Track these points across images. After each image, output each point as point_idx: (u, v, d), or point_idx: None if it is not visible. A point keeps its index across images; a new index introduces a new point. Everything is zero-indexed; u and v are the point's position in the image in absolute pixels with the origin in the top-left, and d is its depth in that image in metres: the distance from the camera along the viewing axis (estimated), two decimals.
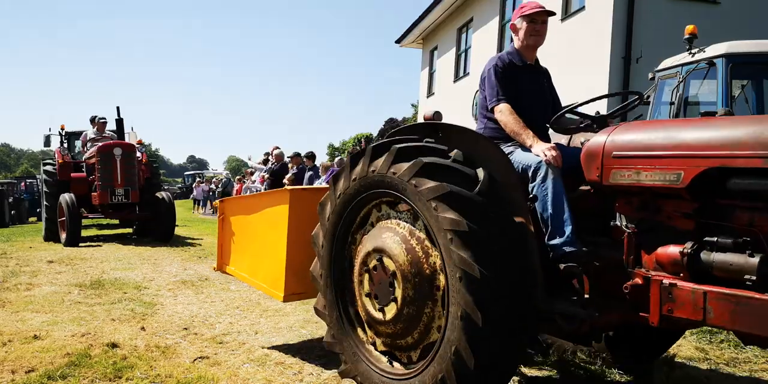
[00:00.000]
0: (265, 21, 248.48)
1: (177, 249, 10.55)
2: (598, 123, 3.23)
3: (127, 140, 12.97)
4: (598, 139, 2.77)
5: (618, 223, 2.75)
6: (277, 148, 13.69)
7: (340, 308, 3.33)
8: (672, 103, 7.54)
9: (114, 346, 4.12)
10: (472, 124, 12.88)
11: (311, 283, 3.52)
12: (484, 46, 16.36)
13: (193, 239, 12.65)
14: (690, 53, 7.51)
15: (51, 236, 11.89)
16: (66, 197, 11.10)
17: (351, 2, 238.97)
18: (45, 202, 12.19)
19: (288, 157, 13.53)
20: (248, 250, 4.49)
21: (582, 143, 2.99)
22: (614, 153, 2.66)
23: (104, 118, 13.15)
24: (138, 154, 11.98)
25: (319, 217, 3.39)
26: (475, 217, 2.53)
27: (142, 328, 4.68)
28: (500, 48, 15.54)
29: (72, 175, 12.23)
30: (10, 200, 25.57)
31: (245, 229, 4.53)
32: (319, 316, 3.48)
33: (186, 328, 4.72)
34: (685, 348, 4.10)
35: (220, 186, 26.53)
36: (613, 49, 10.76)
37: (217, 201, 4.53)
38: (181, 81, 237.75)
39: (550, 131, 3.52)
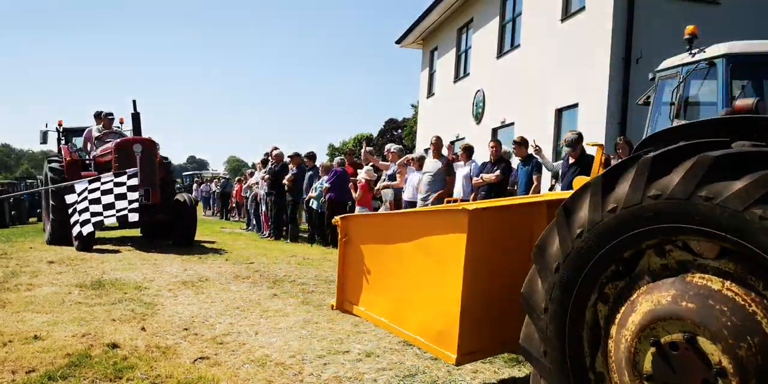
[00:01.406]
0: (264, 20, 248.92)
1: (177, 249, 10.55)
2: None
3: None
4: None
5: None
6: (276, 148, 13.69)
7: None
8: (672, 104, 7.54)
9: (114, 346, 4.11)
10: (472, 125, 12.89)
11: (490, 338, 2.77)
12: (485, 46, 16.36)
13: (194, 239, 12.64)
14: (690, 53, 7.50)
15: (57, 239, 11.00)
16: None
17: (351, 2, 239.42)
18: (51, 202, 11.11)
19: (288, 158, 13.52)
20: (391, 288, 3.36)
21: None
22: None
23: (111, 114, 12.47)
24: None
25: (535, 263, 2.38)
26: None
27: (143, 329, 4.68)
28: (500, 48, 15.55)
29: (82, 173, 11.40)
30: (11, 201, 25.59)
31: (387, 259, 3.37)
32: None
33: (186, 329, 4.72)
34: None
35: (218, 186, 26.41)
36: (613, 49, 10.76)
37: (336, 218, 3.56)
38: (181, 80, 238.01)
39: None
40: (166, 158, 12.27)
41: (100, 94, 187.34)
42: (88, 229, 9.00)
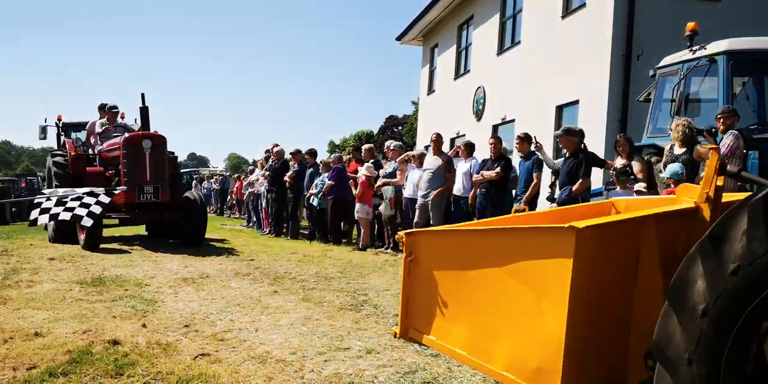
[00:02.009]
0: (264, 17, 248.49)
1: (178, 247, 10.56)
2: None
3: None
4: None
5: None
6: (277, 145, 13.70)
7: None
8: (673, 101, 7.54)
9: (115, 343, 4.12)
10: (472, 122, 12.88)
11: (596, 375, 2.42)
12: (485, 43, 16.34)
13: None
14: (691, 50, 7.50)
15: (60, 237, 10.71)
16: None
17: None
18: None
19: (289, 154, 13.53)
20: (472, 317, 2.88)
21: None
22: None
23: (116, 107, 11.81)
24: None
25: (671, 304, 2.03)
26: None
27: (143, 325, 4.69)
28: (501, 45, 15.53)
29: (87, 169, 11.04)
30: (11, 197, 25.63)
31: (466, 283, 2.90)
32: None
33: (187, 326, 4.73)
34: None
35: (217, 183, 26.33)
36: (613, 46, 10.74)
37: (401, 233, 3.18)
38: (180, 78, 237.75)
39: None
40: (174, 154, 11.84)
41: (99, 90, 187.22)
42: (44, 218, 8.59)
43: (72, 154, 11.19)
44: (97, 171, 10.98)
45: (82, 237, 9.85)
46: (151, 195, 9.92)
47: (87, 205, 7.95)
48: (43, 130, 13.81)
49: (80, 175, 10.73)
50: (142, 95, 10.48)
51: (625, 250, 2.43)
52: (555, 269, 2.32)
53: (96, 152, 11.65)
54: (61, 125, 14.00)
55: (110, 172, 10.79)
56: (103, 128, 11.61)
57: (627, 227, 2.37)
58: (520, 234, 2.65)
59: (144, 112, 10.58)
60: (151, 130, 10.61)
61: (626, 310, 2.27)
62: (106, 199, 8.16)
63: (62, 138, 14.07)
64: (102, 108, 12.01)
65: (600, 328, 2.34)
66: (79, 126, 14.17)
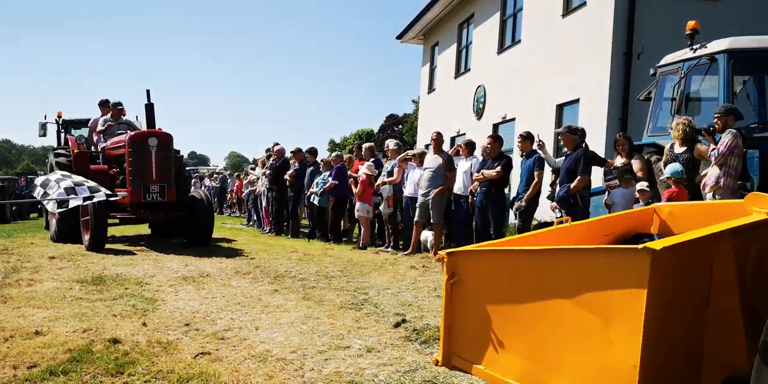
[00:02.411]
0: (264, 15, 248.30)
1: (178, 245, 10.56)
2: None
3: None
4: None
5: None
6: (278, 144, 13.69)
7: None
8: (673, 99, 7.54)
9: (115, 341, 4.12)
10: (473, 121, 12.88)
11: None
12: (485, 42, 16.34)
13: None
14: (691, 49, 7.49)
15: (63, 236, 10.51)
16: None
17: None
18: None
19: (290, 153, 13.53)
20: (526, 345, 2.60)
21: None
22: None
23: (120, 104, 11.43)
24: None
25: (763, 358, 1.80)
26: None
27: (144, 324, 4.69)
28: (501, 44, 15.53)
29: (91, 167, 10.70)
30: (12, 197, 25.65)
31: (519, 307, 2.64)
32: None
33: (187, 324, 4.73)
34: None
35: (217, 182, 26.27)
36: (614, 45, 10.74)
37: (442, 253, 2.95)
38: (181, 78, 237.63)
39: None
40: (179, 152, 11.61)
41: (99, 89, 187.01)
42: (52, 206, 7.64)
43: (75, 151, 10.88)
44: (101, 169, 10.73)
45: (86, 237, 9.50)
46: (157, 194, 9.66)
47: (91, 197, 7.59)
48: (43, 127, 13.53)
49: (83, 173, 10.02)
50: (147, 92, 10.13)
51: (700, 269, 2.25)
52: (627, 294, 2.10)
53: (99, 150, 11.37)
54: (61, 122, 13.73)
55: (114, 170, 10.56)
56: (106, 125, 11.32)
57: (703, 244, 2.18)
58: (586, 255, 2.35)
59: (149, 109, 10.21)
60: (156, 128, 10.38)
61: (698, 334, 2.11)
62: (102, 197, 7.83)
63: (62, 135, 13.83)
64: (104, 104, 11.65)
65: (673, 355, 2.14)
66: (80, 123, 13.90)
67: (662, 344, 2.12)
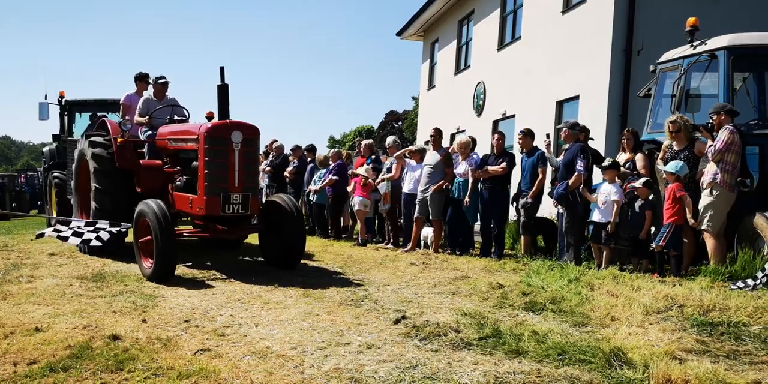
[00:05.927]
0: (264, 12, 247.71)
1: (179, 244, 10.51)
2: None
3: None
4: None
5: None
6: (276, 140, 13.68)
7: None
8: (673, 96, 7.53)
9: (115, 338, 4.12)
10: (473, 118, 12.88)
11: None
12: (485, 38, 16.31)
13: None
14: (691, 46, 7.49)
15: (95, 250, 8.03)
16: (153, 206, 6.62)
17: None
18: (96, 203, 8.11)
19: (290, 150, 13.52)
20: None
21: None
22: None
23: (164, 77, 8.80)
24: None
25: None
26: None
27: (144, 321, 4.69)
28: (501, 40, 15.50)
29: (141, 162, 8.30)
30: (12, 194, 25.66)
31: None
32: None
33: (187, 321, 4.74)
34: (686, 340, 4.11)
35: None
36: (614, 41, 10.73)
37: None
38: (180, 75, 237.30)
39: None
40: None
41: (100, 89, 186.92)
42: (51, 233, 7.41)
43: (120, 140, 8.10)
44: (153, 165, 8.27)
45: (146, 264, 6.89)
46: (239, 206, 6.97)
47: (97, 231, 7.12)
48: (44, 109, 11.82)
49: (129, 170, 8.19)
50: (221, 69, 7.06)
51: None
52: None
53: (144, 139, 8.65)
54: (64, 103, 12.14)
55: (173, 167, 8.14)
56: (157, 104, 8.67)
57: None
58: None
59: (222, 90, 7.13)
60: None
61: None
62: (114, 229, 7.17)
63: (66, 118, 12.35)
64: (141, 78, 9.37)
65: None
66: (86, 105, 12.45)
67: None
